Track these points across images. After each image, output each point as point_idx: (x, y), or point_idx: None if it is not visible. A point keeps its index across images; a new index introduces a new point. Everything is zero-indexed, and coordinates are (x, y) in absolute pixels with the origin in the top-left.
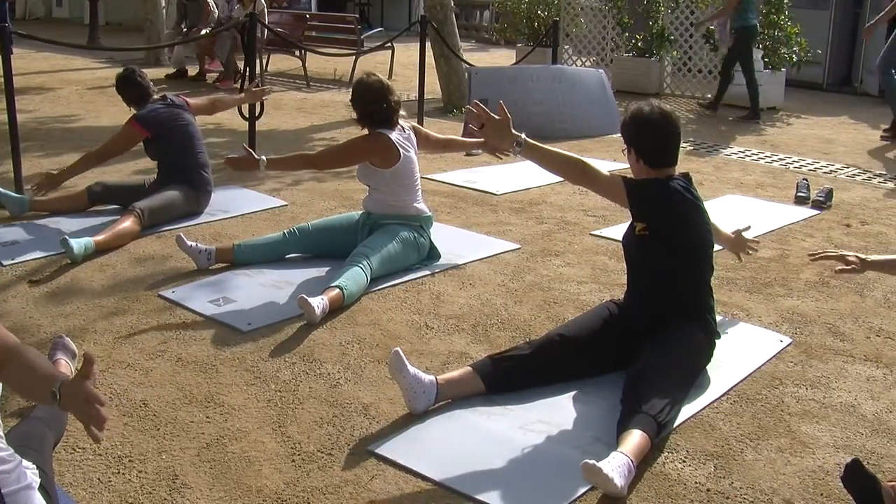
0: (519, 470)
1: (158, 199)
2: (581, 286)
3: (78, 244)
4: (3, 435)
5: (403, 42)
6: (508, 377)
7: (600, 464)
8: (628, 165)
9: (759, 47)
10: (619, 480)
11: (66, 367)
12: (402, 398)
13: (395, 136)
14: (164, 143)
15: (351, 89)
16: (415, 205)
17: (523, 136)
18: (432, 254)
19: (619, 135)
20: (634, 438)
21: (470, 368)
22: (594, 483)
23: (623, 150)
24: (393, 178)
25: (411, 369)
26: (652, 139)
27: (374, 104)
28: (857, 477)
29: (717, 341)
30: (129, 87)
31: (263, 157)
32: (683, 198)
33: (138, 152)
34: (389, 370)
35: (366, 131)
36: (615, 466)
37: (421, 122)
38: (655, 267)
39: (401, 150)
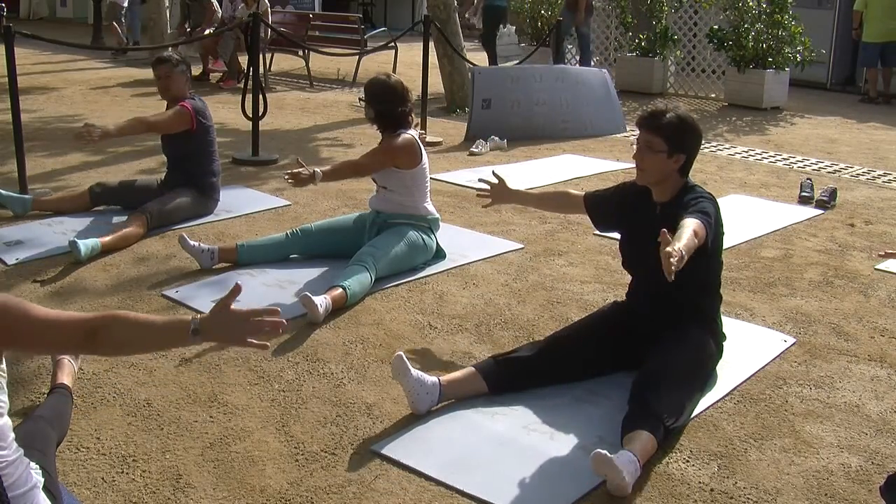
0: (522, 470)
1: (168, 203)
2: (584, 286)
3: (85, 246)
4: (13, 437)
5: (406, 42)
6: (511, 378)
7: (613, 455)
8: (629, 166)
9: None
10: (627, 476)
11: (70, 366)
12: (406, 399)
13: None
14: (195, 141)
15: (371, 86)
16: (425, 205)
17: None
18: (438, 254)
19: (665, 137)
20: (642, 439)
21: (473, 369)
22: (603, 474)
23: (665, 152)
24: (412, 180)
25: (414, 372)
26: (698, 148)
27: (396, 104)
28: None
29: (723, 343)
30: (186, 73)
31: (318, 171)
32: (716, 204)
33: (141, 152)
34: (392, 373)
35: (375, 129)
36: (624, 462)
37: (424, 123)
38: (678, 275)
39: (423, 151)
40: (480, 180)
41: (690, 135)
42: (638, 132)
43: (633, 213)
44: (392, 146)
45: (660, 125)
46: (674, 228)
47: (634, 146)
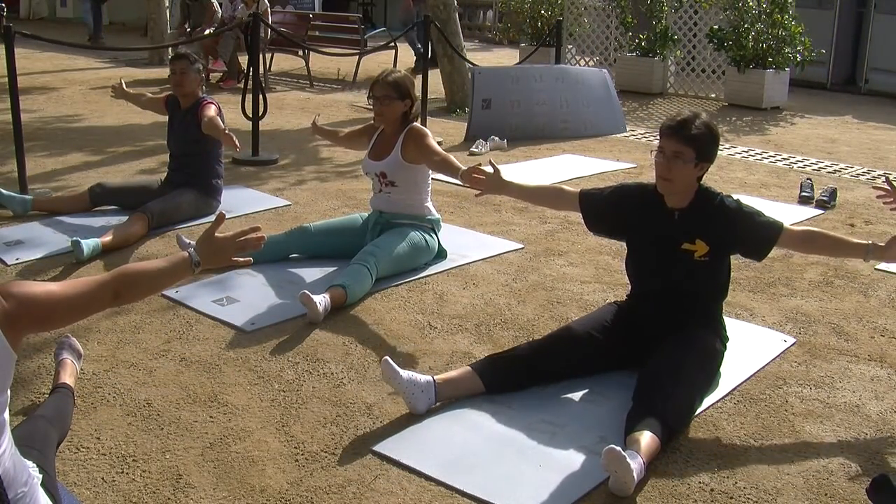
0: (522, 470)
1: (170, 203)
2: (584, 286)
3: (87, 246)
4: (9, 436)
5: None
6: (507, 377)
7: (626, 453)
8: (629, 166)
9: None
10: (636, 476)
11: (72, 366)
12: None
13: None
14: (207, 141)
15: (401, 81)
16: (427, 205)
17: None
18: (440, 253)
19: (695, 147)
20: (646, 440)
21: (469, 368)
22: (613, 470)
23: (693, 162)
24: (422, 175)
25: (404, 373)
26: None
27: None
28: (884, 492)
29: (727, 345)
30: (201, 73)
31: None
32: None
33: (141, 152)
34: (383, 378)
35: (375, 124)
36: (633, 462)
37: (424, 123)
38: (695, 284)
39: None
40: (477, 166)
41: (716, 143)
42: (661, 140)
43: (642, 220)
44: (429, 134)
45: (690, 135)
46: (694, 234)
47: (654, 154)
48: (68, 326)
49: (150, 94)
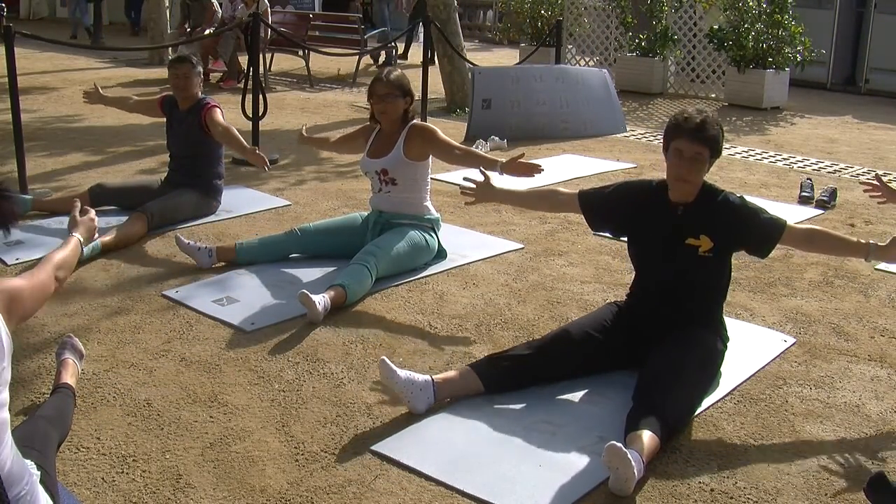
0: (522, 470)
1: (170, 204)
2: (584, 286)
3: (87, 245)
4: (9, 435)
5: None
6: (507, 377)
7: (626, 449)
8: (629, 166)
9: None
10: (637, 473)
11: (73, 366)
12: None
13: None
14: (209, 142)
15: (400, 80)
16: (426, 204)
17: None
18: (439, 253)
19: (711, 148)
20: (646, 440)
21: (468, 368)
22: (614, 467)
23: (709, 161)
24: (421, 173)
25: (402, 373)
26: None
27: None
28: (881, 491)
29: (727, 344)
30: (200, 75)
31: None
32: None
33: (141, 152)
34: (381, 378)
35: (368, 122)
36: (634, 460)
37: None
38: (698, 280)
39: None
40: (465, 179)
41: (723, 139)
42: (678, 142)
43: (647, 217)
44: (438, 129)
45: (708, 136)
46: (698, 229)
47: (671, 154)
48: (67, 325)
49: (136, 97)
